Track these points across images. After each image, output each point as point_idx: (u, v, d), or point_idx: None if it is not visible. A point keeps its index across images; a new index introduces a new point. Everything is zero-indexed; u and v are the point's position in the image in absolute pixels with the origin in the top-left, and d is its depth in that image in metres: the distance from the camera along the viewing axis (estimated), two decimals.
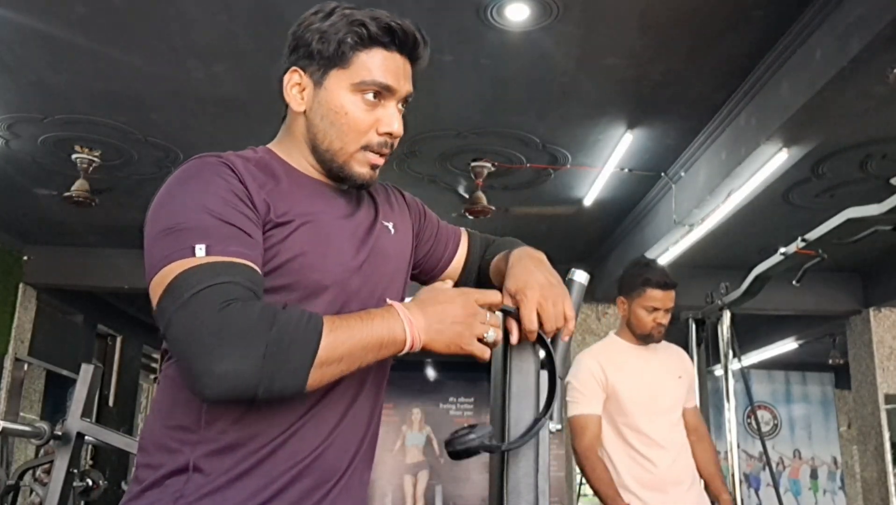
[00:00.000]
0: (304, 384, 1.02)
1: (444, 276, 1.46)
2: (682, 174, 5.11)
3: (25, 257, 7.26)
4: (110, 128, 4.78)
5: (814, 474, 9.86)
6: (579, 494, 7.65)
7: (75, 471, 2.73)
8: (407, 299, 1.15)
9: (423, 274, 1.45)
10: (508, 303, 1.19)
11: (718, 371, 4.33)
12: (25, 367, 7.39)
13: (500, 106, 4.38)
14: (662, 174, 5.29)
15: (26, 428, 2.82)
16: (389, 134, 1.22)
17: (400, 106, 1.24)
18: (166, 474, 1.09)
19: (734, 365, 4.06)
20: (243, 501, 1.08)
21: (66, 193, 5.10)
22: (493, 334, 1.11)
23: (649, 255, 5.95)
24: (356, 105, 1.20)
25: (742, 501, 3.73)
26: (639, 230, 6.10)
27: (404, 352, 1.10)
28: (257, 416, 1.11)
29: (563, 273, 1.26)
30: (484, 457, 1.20)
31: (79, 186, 5.08)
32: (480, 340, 1.12)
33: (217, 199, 1.10)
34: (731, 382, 3.99)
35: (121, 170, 5.38)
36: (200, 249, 1.03)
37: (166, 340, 1.04)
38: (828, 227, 4.88)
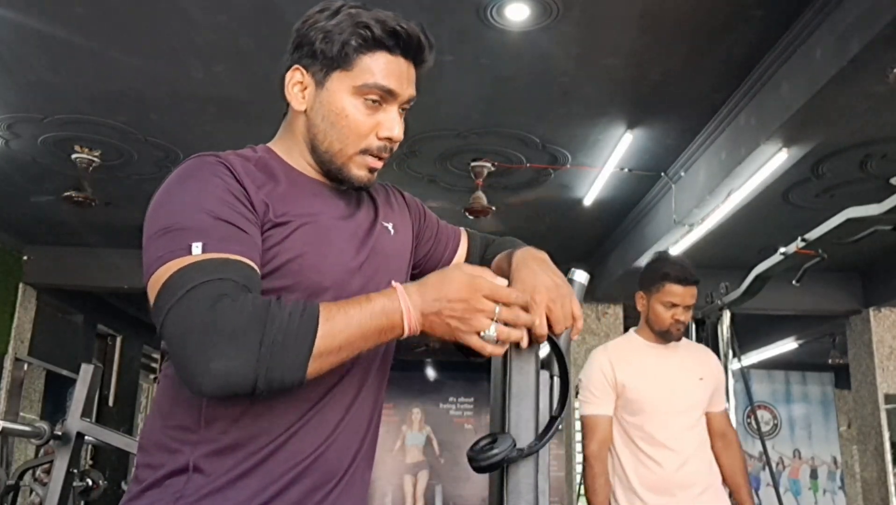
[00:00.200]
0: (304, 376, 1.02)
1: None
2: (682, 174, 5.11)
3: (25, 257, 7.26)
4: (110, 128, 4.78)
5: (814, 474, 9.86)
6: (579, 494, 7.67)
7: (75, 471, 2.72)
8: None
9: (423, 274, 1.44)
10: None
11: None
12: (25, 367, 7.39)
13: (500, 106, 4.39)
14: (662, 174, 5.29)
15: (26, 428, 2.82)
16: (389, 139, 1.21)
17: (401, 109, 1.23)
18: (166, 474, 1.09)
19: (734, 365, 4.07)
20: (244, 502, 1.08)
21: (66, 193, 5.10)
22: (493, 332, 1.06)
23: (648, 255, 5.95)
24: (357, 108, 1.19)
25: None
26: (639, 230, 6.10)
27: (403, 338, 1.09)
28: (258, 416, 1.11)
29: (563, 273, 1.26)
30: None
31: (78, 186, 5.08)
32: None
33: (215, 199, 1.10)
34: (731, 381, 4.00)
35: (121, 170, 5.38)
36: (197, 248, 1.03)
37: (163, 338, 1.05)
38: (828, 227, 4.88)
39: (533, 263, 1.23)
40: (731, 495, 2.89)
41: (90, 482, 3.15)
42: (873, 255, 6.68)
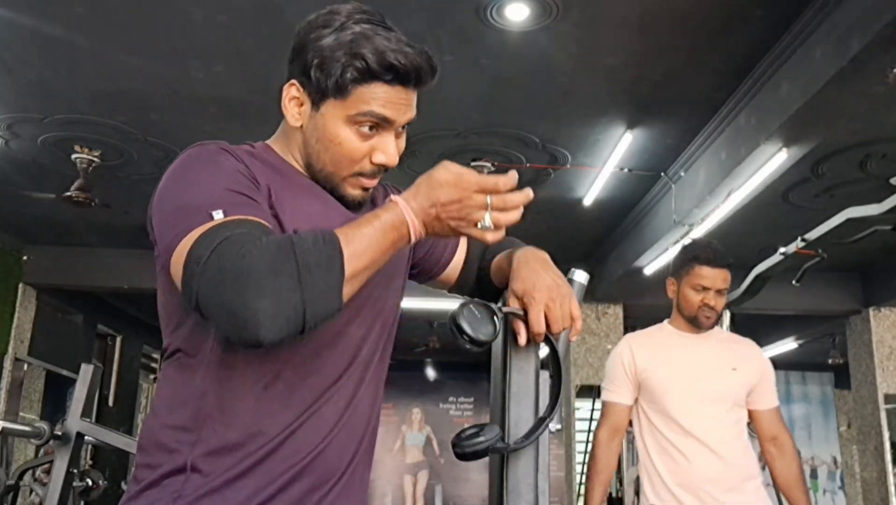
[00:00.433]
0: (341, 301, 1.03)
1: (444, 276, 1.46)
2: (682, 174, 5.11)
3: (25, 257, 7.26)
4: (110, 128, 4.78)
5: (814, 474, 9.87)
6: (579, 494, 7.66)
7: (75, 471, 2.72)
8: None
9: (421, 274, 1.45)
10: (516, 305, 1.19)
11: None
12: (25, 367, 7.39)
13: (499, 106, 4.39)
14: (662, 174, 5.29)
15: (26, 428, 2.82)
16: (383, 165, 1.21)
17: (400, 129, 1.22)
18: (165, 474, 1.09)
19: None
20: (243, 502, 1.08)
21: (66, 193, 5.10)
22: (489, 221, 1.10)
23: (648, 255, 5.97)
24: (351, 136, 1.17)
25: None
26: (638, 230, 6.11)
27: (411, 244, 1.12)
28: (256, 415, 1.11)
29: (563, 273, 1.26)
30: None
31: (78, 186, 5.08)
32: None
33: (225, 176, 1.10)
34: None
35: (121, 170, 5.39)
36: (218, 214, 1.03)
37: (200, 309, 1.01)
38: (827, 227, 4.88)
39: (533, 263, 1.23)
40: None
41: (90, 482, 3.15)
42: (873, 255, 6.68)
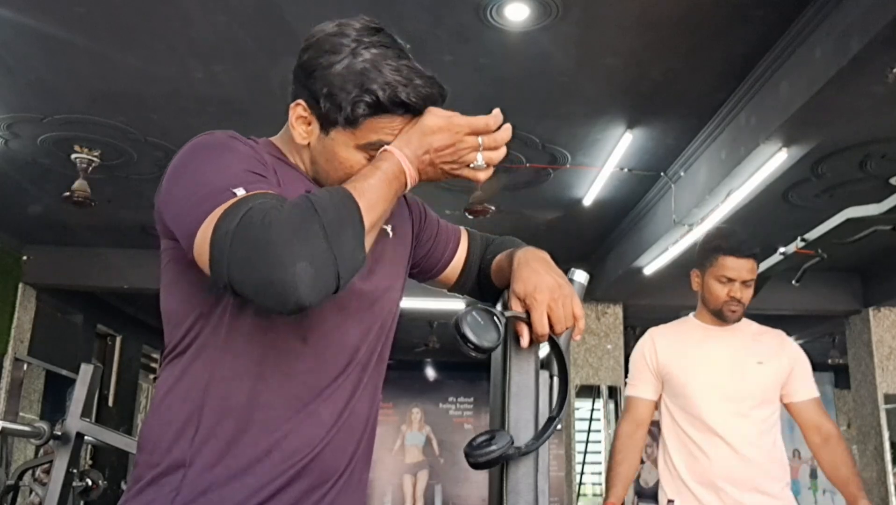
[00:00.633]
0: (365, 254, 1.04)
1: (444, 275, 1.46)
2: (682, 174, 5.11)
3: (25, 257, 7.26)
4: (110, 128, 4.78)
5: (813, 474, 9.86)
6: (579, 494, 7.66)
7: (75, 471, 2.72)
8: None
9: (421, 273, 1.45)
10: (517, 307, 1.19)
11: None
12: (25, 366, 7.39)
13: (499, 106, 4.33)
14: (662, 174, 5.29)
15: (26, 428, 2.82)
16: None
17: None
18: (164, 472, 1.10)
19: None
20: (242, 501, 1.08)
21: (66, 193, 5.10)
22: (482, 160, 1.13)
23: (648, 255, 5.97)
24: (360, 160, 1.16)
25: None
26: (638, 230, 6.11)
27: (407, 189, 1.14)
28: (253, 414, 1.11)
29: (563, 273, 1.26)
30: None
31: (78, 186, 5.08)
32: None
33: (240, 158, 1.10)
34: None
35: (120, 170, 5.38)
36: (240, 191, 1.02)
37: (232, 284, 0.98)
38: (827, 227, 4.88)
39: (534, 263, 1.23)
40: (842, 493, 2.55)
41: (90, 482, 3.14)
42: (873, 255, 6.68)
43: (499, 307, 1.21)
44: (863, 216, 5.37)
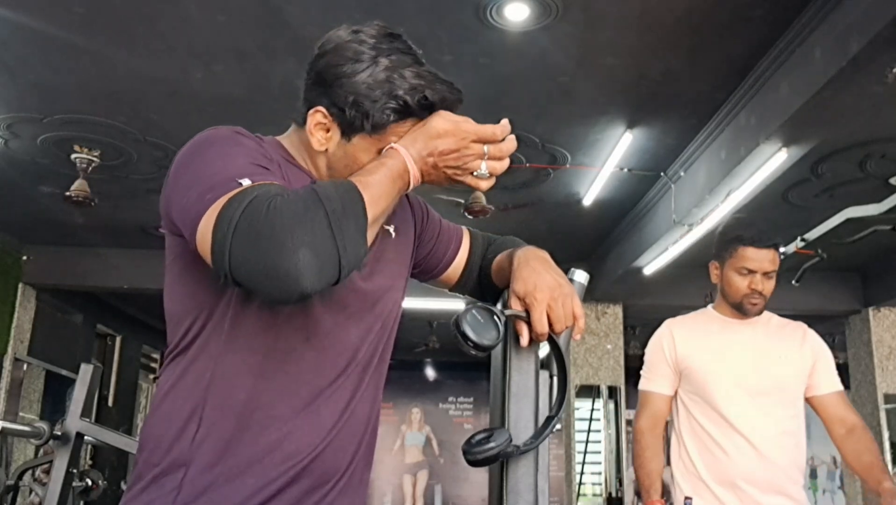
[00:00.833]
0: (367, 246, 1.04)
1: (446, 275, 1.46)
2: (682, 174, 5.11)
3: (25, 257, 7.27)
4: (110, 127, 4.79)
5: (813, 474, 9.87)
6: (579, 494, 7.67)
7: (75, 471, 2.72)
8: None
9: (423, 273, 1.45)
10: (517, 306, 1.19)
11: None
12: (25, 366, 7.40)
13: (499, 106, 4.38)
14: (662, 174, 5.29)
15: (25, 428, 2.82)
16: None
17: None
18: (165, 471, 1.10)
19: None
20: (243, 500, 1.08)
21: (66, 193, 5.11)
22: (485, 169, 1.13)
23: (648, 255, 5.97)
24: None
25: None
26: (638, 230, 6.11)
27: (410, 189, 1.14)
28: (254, 414, 1.11)
29: (563, 273, 1.26)
30: None
31: (78, 186, 5.09)
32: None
33: (245, 151, 1.10)
34: None
35: (120, 170, 5.39)
36: (245, 181, 1.02)
37: (233, 273, 0.97)
38: (827, 227, 4.88)
39: (534, 262, 1.23)
40: (864, 481, 2.45)
41: (89, 482, 3.15)
42: (873, 255, 6.68)
43: (499, 306, 1.21)
44: (862, 216, 5.38)
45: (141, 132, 4.84)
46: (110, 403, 8.75)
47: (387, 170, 1.09)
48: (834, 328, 8.35)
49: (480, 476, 10.17)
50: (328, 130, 1.16)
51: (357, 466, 1.20)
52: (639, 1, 3.49)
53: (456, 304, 1.18)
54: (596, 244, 6.93)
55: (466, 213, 5.25)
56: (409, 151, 1.10)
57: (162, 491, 1.09)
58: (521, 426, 1.15)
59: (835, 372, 2.53)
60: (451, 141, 1.11)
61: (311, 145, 1.19)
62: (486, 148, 1.13)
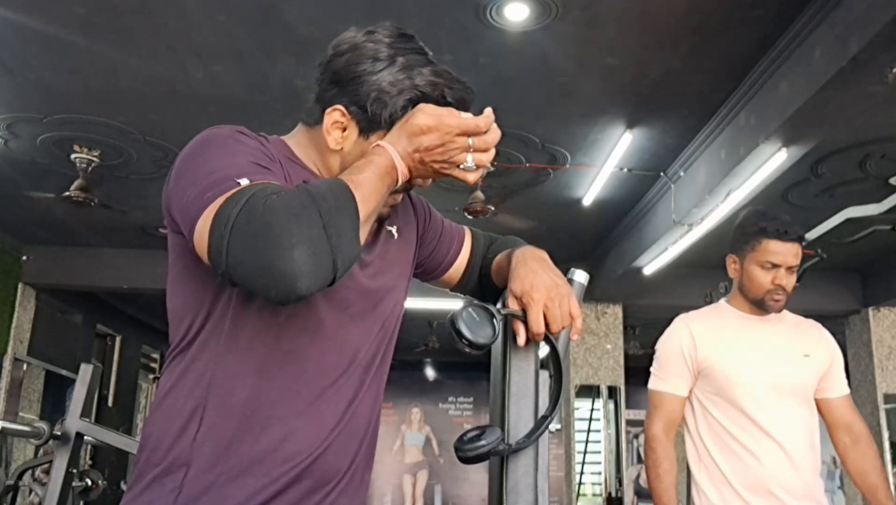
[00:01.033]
0: (360, 245, 1.04)
1: (447, 276, 1.46)
2: (682, 174, 5.11)
3: (24, 257, 7.26)
4: (109, 127, 4.79)
5: None
6: (579, 494, 7.66)
7: (74, 471, 2.72)
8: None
9: (425, 273, 1.45)
10: (515, 306, 1.19)
11: None
12: (24, 366, 7.39)
13: (499, 106, 4.34)
14: (661, 174, 5.29)
15: (25, 428, 2.82)
16: (420, 185, 1.22)
17: None
18: (166, 471, 1.10)
19: None
20: (243, 501, 1.08)
21: (66, 193, 5.11)
22: (471, 162, 1.12)
23: (648, 255, 5.97)
24: None
25: None
26: (638, 230, 6.11)
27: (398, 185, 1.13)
28: (255, 414, 1.11)
29: (563, 273, 1.26)
30: None
31: (78, 186, 5.09)
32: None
33: (246, 150, 1.10)
34: None
35: (120, 170, 5.38)
36: (244, 181, 1.02)
37: (230, 271, 0.98)
38: (827, 227, 4.88)
39: (532, 262, 1.23)
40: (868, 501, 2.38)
41: (89, 482, 3.15)
42: (873, 255, 6.68)
43: (498, 306, 1.21)
44: (862, 216, 5.38)
45: (141, 132, 4.84)
46: (110, 403, 8.75)
47: (375, 167, 1.08)
48: (834, 328, 8.31)
49: (480, 476, 10.17)
50: (345, 129, 1.17)
51: (358, 466, 1.20)
52: (639, 1, 3.49)
53: (456, 303, 1.17)
54: (596, 244, 6.93)
55: (466, 213, 5.24)
56: (395, 148, 1.10)
57: (163, 491, 1.09)
58: (520, 426, 1.15)
59: (844, 375, 2.45)
60: (435, 136, 1.10)
61: (322, 144, 1.20)
62: (470, 140, 1.12)
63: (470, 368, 11.20)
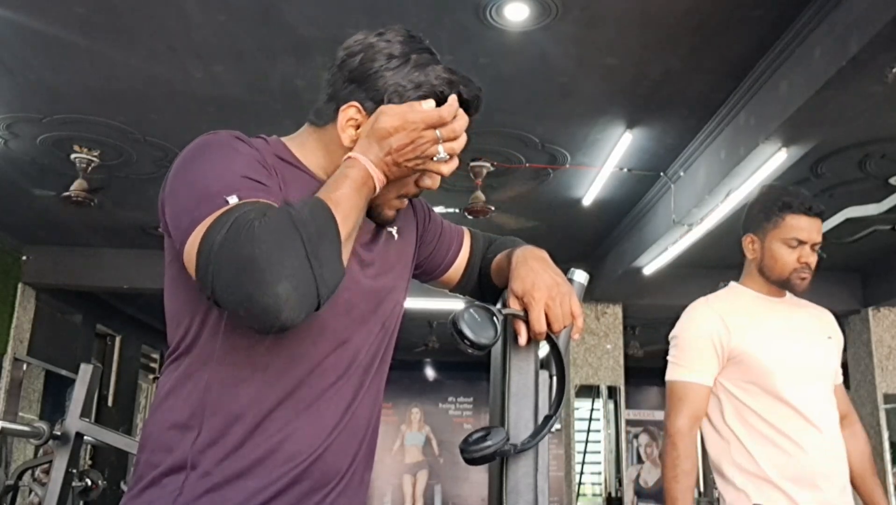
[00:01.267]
0: (343, 267, 1.04)
1: (446, 276, 1.46)
2: (682, 174, 5.11)
3: (24, 257, 7.26)
4: (109, 127, 4.79)
5: None
6: (579, 494, 7.67)
7: (74, 471, 2.72)
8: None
9: (424, 274, 1.45)
10: (516, 305, 1.19)
11: None
12: (24, 366, 7.39)
13: (499, 106, 4.39)
14: (661, 174, 5.29)
15: (25, 428, 2.82)
16: (428, 188, 1.22)
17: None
18: (166, 472, 1.10)
19: None
20: (243, 502, 1.08)
21: (65, 193, 5.11)
22: (444, 153, 1.12)
23: (648, 255, 5.97)
24: None
25: None
26: (638, 230, 6.11)
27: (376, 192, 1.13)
28: (255, 414, 1.11)
29: (563, 273, 1.26)
30: None
31: (78, 186, 5.09)
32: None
33: (240, 161, 1.10)
34: None
35: (120, 170, 5.39)
36: (233, 199, 1.03)
37: (216, 298, 1.00)
38: (827, 227, 4.86)
39: (532, 262, 1.23)
40: (857, 490, 2.25)
41: (89, 482, 3.15)
42: (873, 255, 6.69)
43: (498, 306, 1.21)
44: (862, 216, 5.38)
45: (141, 132, 4.84)
46: (110, 403, 8.75)
47: (350, 181, 1.08)
48: None
49: (480, 476, 10.17)
50: (358, 127, 1.17)
51: (358, 467, 1.20)
52: (639, 1, 3.49)
53: (456, 303, 1.17)
54: (596, 244, 6.93)
55: (466, 213, 5.25)
56: (367, 157, 1.10)
57: (163, 492, 1.09)
58: (520, 426, 1.15)
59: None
60: (402, 135, 1.10)
61: (331, 144, 1.20)
62: (438, 132, 1.11)
63: (470, 368, 11.20)
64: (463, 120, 1.14)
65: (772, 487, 2.08)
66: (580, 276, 1.30)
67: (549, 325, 1.17)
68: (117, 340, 9.09)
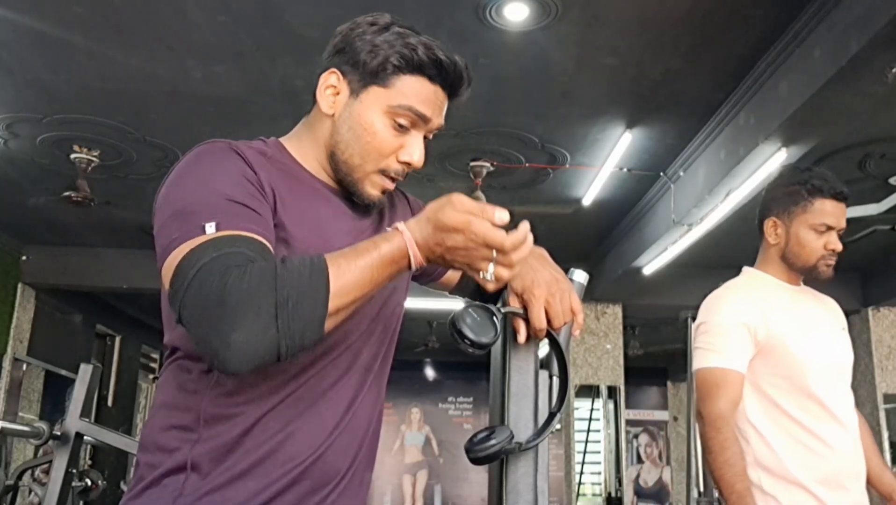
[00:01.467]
0: (322, 333, 1.02)
1: (445, 278, 1.46)
2: (681, 174, 5.11)
3: (24, 257, 7.26)
4: (109, 128, 4.78)
5: None
6: (578, 494, 7.67)
7: (74, 471, 2.73)
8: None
9: (423, 276, 1.45)
10: (515, 303, 1.19)
11: None
12: (24, 366, 7.39)
13: (499, 106, 4.39)
14: (661, 174, 5.29)
15: (25, 428, 2.82)
16: (408, 164, 1.22)
17: (425, 136, 1.23)
18: (166, 473, 1.10)
19: None
20: (243, 502, 1.08)
21: (65, 193, 5.11)
22: (491, 275, 1.06)
23: (648, 254, 5.97)
24: (386, 127, 1.19)
25: None
26: (637, 230, 6.11)
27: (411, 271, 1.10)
28: (255, 415, 1.11)
29: (561, 270, 1.26)
30: None
31: (78, 186, 5.09)
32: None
33: (227, 182, 1.10)
34: None
35: (119, 170, 5.39)
36: (210, 227, 1.03)
37: (182, 323, 1.02)
38: None
39: (532, 259, 1.23)
40: (870, 481, 2.14)
41: (89, 482, 3.15)
42: (873, 255, 6.68)
43: (498, 305, 1.21)
44: (862, 216, 5.38)
45: (141, 132, 4.84)
46: (110, 403, 8.75)
47: (378, 254, 1.04)
48: None
49: (480, 476, 10.16)
50: (338, 94, 1.20)
51: (358, 467, 1.20)
52: (639, 1, 3.49)
53: (455, 303, 1.17)
54: (595, 244, 6.94)
55: None
56: (413, 235, 1.05)
57: (163, 492, 1.09)
58: (520, 425, 1.15)
59: None
60: (460, 239, 1.04)
61: (316, 125, 1.22)
62: (494, 253, 1.05)
63: (470, 368, 11.20)
64: (523, 251, 1.07)
65: (802, 490, 1.96)
66: (580, 275, 1.30)
67: (549, 322, 1.17)
68: (117, 340, 9.08)
